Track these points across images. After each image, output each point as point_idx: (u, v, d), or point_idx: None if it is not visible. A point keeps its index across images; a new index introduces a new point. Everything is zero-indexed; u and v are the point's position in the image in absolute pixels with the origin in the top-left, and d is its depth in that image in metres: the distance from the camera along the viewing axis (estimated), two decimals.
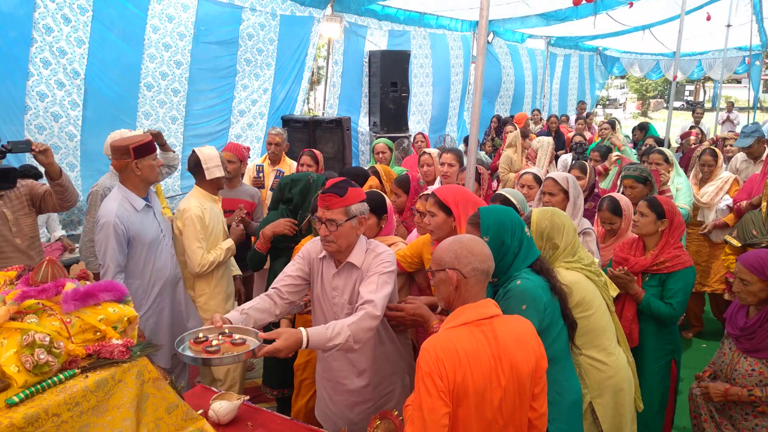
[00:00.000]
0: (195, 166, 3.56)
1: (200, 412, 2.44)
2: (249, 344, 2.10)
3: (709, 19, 8.99)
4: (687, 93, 34.16)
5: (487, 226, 2.24)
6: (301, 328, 2.16)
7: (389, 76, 8.36)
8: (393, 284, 2.40)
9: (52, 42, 5.29)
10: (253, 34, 6.81)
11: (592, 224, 3.72)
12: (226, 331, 2.18)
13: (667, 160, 4.89)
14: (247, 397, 2.52)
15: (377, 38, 8.74)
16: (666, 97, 31.72)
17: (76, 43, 5.43)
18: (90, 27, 5.50)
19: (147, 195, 3.22)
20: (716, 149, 5.37)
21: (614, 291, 2.90)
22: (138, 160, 3.06)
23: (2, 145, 2.54)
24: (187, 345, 2.10)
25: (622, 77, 28.01)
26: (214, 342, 2.10)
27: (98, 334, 1.41)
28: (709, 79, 21.31)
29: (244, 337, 2.15)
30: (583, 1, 7.77)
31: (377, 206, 2.88)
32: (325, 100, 8.24)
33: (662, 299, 3.11)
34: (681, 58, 16.68)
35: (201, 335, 2.14)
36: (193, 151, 3.59)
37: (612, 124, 7.64)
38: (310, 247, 2.58)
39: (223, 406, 2.40)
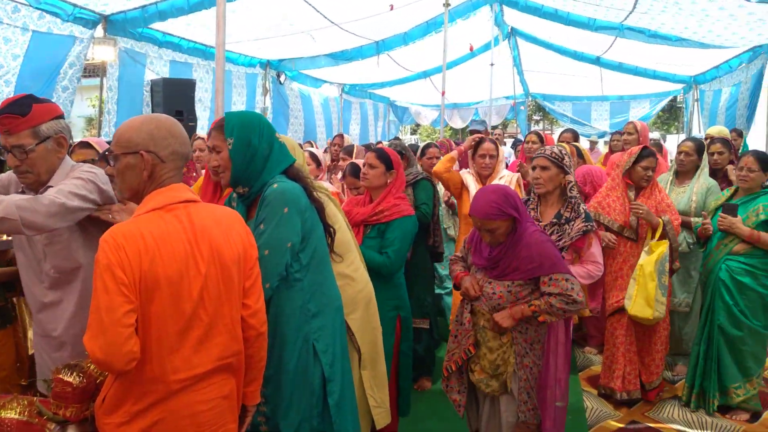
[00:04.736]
0: None
1: None
2: None
3: (392, 8, 8.16)
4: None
5: (231, 126, 2.05)
6: None
7: (174, 105, 7.93)
8: (92, 193, 1.99)
9: None
10: None
11: None
12: None
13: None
14: None
15: (158, 67, 8.30)
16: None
17: None
18: None
19: None
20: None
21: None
22: None
23: None
24: None
25: (415, 129, 30.22)
26: None
27: None
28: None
29: None
30: None
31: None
32: (100, 128, 7.53)
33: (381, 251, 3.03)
34: (461, 108, 18.60)
35: None
36: None
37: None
38: (11, 175, 2.12)
39: None
